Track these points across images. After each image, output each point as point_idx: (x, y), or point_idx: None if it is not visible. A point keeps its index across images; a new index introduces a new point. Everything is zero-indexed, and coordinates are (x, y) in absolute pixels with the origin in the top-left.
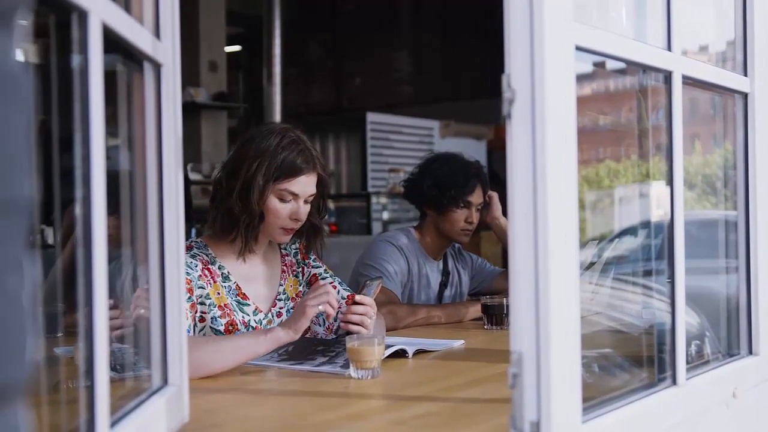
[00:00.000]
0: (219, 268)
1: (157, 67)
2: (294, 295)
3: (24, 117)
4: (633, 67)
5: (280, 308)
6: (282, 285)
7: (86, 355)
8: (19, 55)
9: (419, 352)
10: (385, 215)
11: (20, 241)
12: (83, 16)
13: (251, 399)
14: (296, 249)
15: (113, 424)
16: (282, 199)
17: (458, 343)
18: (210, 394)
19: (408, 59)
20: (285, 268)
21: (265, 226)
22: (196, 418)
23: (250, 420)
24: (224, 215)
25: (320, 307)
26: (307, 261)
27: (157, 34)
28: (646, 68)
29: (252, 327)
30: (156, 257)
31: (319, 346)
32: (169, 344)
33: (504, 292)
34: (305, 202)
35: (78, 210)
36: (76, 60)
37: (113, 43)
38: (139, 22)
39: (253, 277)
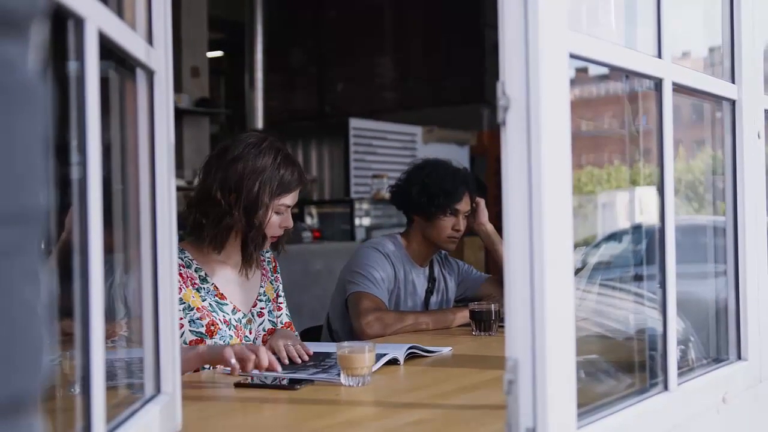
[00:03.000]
0: (196, 271)
1: (150, 74)
2: (272, 299)
3: (40, 126)
4: (616, 72)
5: (261, 308)
6: (263, 287)
7: (83, 363)
8: (36, 64)
9: (411, 357)
10: (369, 221)
11: (36, 251)
12: (79, 23)
13: (243, 408)
14: (269, 258)
15: None
16: (278, 213)
17: (446, 350)
18: (202, 403)
19: (391, 65)
20: (264, 271)
21: None
22: (189, 426)
23: (242, 429)
24: (225, 231)
25: (233, 361)
26: (275, 275)
27: (150, 41)
28: (637, 75)
29: (233, 326)
30: (149, 265)
31: (310, 361)
32: (162, 353)
33: (490, 298)
34: (292, 210)
35: (74, 217)
36: (71, 66)
37: (107, 49)
38: (132, 28)
39: (233, 279)
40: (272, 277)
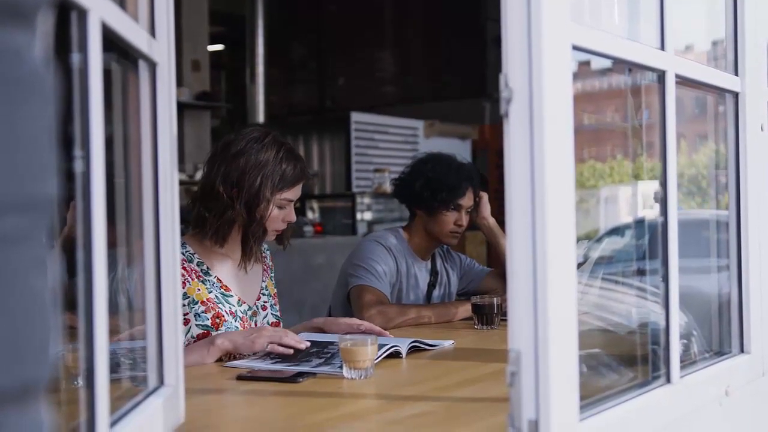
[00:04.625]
0: (198, 265)
1: (152, 66)
2: (273, 294)
3: (47, 115)
4: (619, 66)
5: (264, 302)
6: (264, 281)
7: (86, 356)
8: (42, 53)
9: (413, 351)
10: (370, 215)
11: (43, 240)
12: (83, 14)
13: (247, 400)
14: (268, 255)
15: (112, 424)
16: (280, 207)
17: (449, 343)
18: (206, 395)
19: (392, 59)
20: (265, 266)
21: None
22: (191, 418)
23: (245, 421)
24: (227, 224)
25: (267, 348)
26: (272, 273)
27: (152, 32)
28: (640, 67)
29: (239, 317)
30: (151, 258)
31: (312, 348)
32: (165, 345)
33: (493, 291)
34: (294, 204)
35: (77, 210)
36: (75, 58)
37: (109, 41)
38: (135, 20)
39: (236, 272)
40: (271, 275)
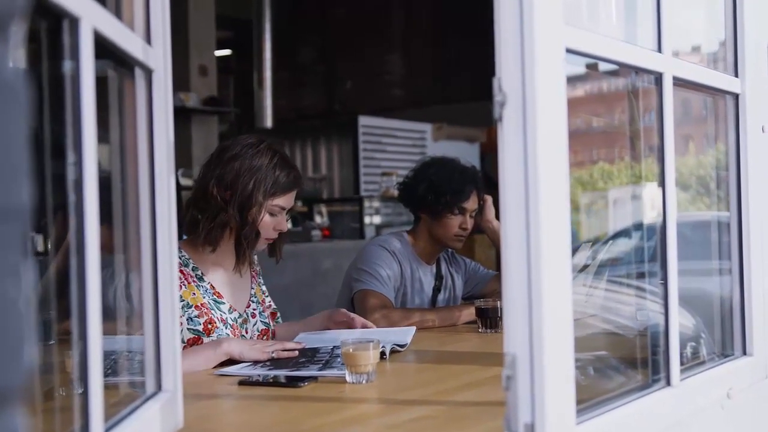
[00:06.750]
0: (193, 270)
1: (148, 73)
2: (261, 300)
3: (21, 124)
4: (625, 68)
5: (253, 309)
6: (253, 288)
7: (80, 361)
8: (16, 62)
9: (394, 352)
10: (378, 219)
11: (19, 248)
12: (74, 22)
13: (246, 405)
14: (255, 258)
15: (108, 429)
16: (271, 214)
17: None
18: (204, 401)
19: (399, 62)
20: (254, 274)
21: None
22: (189, 424)
23: (244, 426)
24: (219, 227)
25: (274, 355)
26: (260, 279)
27: (148, 40)
28: (636, 70)
29: (230, 324)
30: (149, 264)
31: (302, 358)
32: (163, 350)
33: (497, 295)
34: (287, 213)
35: (71, 217)
36: (67, 66)
37: (104, 48)
38: (130, 27)
39: (227, 279)
40: (259, 280)
